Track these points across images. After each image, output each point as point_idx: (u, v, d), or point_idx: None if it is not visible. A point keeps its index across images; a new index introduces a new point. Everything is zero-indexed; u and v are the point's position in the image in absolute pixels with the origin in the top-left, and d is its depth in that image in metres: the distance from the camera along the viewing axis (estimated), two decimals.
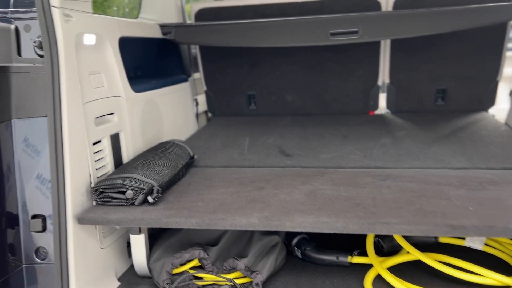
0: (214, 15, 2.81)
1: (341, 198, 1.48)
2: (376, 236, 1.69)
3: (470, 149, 2.03)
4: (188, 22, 2.99)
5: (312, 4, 2.71)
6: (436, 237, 1.68)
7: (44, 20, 1.36)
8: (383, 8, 2.60)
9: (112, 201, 1.50)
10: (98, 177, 1.61)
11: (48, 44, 1.36)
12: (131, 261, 1.62)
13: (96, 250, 1.55)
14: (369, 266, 1.60)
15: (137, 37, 2.11)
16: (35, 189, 1.46)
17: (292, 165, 1.92)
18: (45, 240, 1.45)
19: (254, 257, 1.56)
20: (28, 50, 1.47)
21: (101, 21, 1.71)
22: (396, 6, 2.62)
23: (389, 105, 2.95)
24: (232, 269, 1.53)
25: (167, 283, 1.48)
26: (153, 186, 1.51)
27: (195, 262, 1.57)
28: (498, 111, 2.89)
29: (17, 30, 1.46)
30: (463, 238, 1.66)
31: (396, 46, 2.76)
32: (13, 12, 1.45)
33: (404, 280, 1.49)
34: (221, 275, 1.52)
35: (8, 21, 1.46)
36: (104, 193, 1.50)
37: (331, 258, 1.68)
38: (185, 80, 2.65)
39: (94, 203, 1.53)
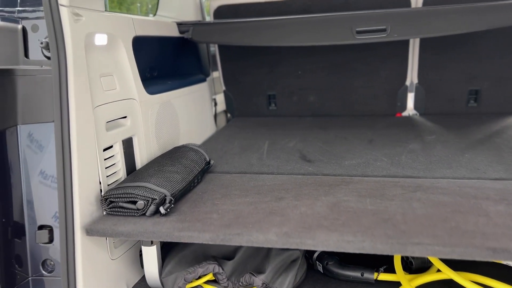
0: (234, 12, 2.71)
1: (368, 212, 1.36)
2: None
3: (508, 157, 1.88)
4: (207, 19, 2.89)
5: (337, 1, 2.58)
6: None
7: (51, 19, 1.28)
8: (413, 4, 2.45)
9: (122, 211, 1.42)
10: (108, 185, 1.53)
11: (55, 46, 1.28)
12: (144, 271, 1.54)
13: (106, 262, 1.48)
14: (397, 284, 1.48)
15: (153, 36, 2.02)
16: (43, 198, 1.39)
17: (313, 173, 1.80)
18: (53, 252, 1.38)
19: (272, 273, 1.46)
20: (36, 51, 1.40)
21: (113, 20, 1.63)
22: (426, 2, 2.46)
23: (417, 106, 2.79)
24: (249, 285, 1.44)
25: None
26: (165, 196, 1.42)
27: (209, 276, 1.48)
28: None
29: (24, 30, 1.38)
30: None
31: (426, 44, 2.60)
32: (20, 12, 1.37)
33: None
34: None
35: (15, 21, 1.38)
36: (114, 203, 1.42)
37: (356, 274, 1.57)
38: (203, 80, 2.55)
39: (104, 212, 1.45)
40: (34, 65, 1.38)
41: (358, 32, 1.99)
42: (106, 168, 1.52)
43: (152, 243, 1.47)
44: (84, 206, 1.37)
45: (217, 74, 3.02)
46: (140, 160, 1.74)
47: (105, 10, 1.64)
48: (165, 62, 2.29)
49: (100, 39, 1.54)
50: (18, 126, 1.34)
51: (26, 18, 1.38)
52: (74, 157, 1.33)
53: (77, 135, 1.33)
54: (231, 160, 2.03)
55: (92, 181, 1.42)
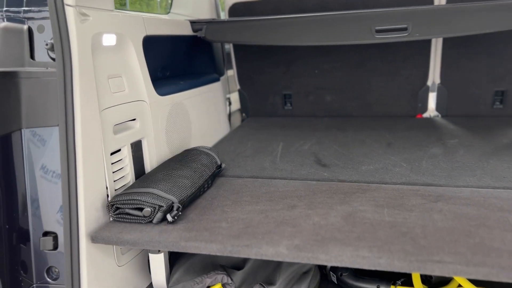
0: (249, 9, 2.64)
1: (385, 224, 1.29)
2: None
3: None
4: (222, 17, 2.83)
5: None
6: None
7: (57, 20, 1.24)
8: (436, 2, 2.34)
9: (129, 218, 1.37)
10: (116, 190, 1.49)
11: (60, 47, 1.24)
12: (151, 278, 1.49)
13: (113, 269, 1.44)
14: None
15: (165, 35, 1.97)
16: (49, 204, 1.35)
17: (328, 178, 1.73)
18: (58, 259, 1.34)
19: (283, 285, 1.40)
20: (42, 52, 1.36)
21: (123, 19, 1.58)
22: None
23: (439, 107, 2.68)
24: None
25: None
26: (173, 203, 1.37)
27: (217, 287, 1.43)
28: None
29: (30, 31, 1.34)
30: None
31: (449, 42, 2.49)
32: (26, 12, 1.33)
33: None
34: None
35: (21, 21, 1.34)
36: (120, 209, 1.38)
37: (371, 286, 1.49)
38: (217, 79, 2.50)
39: (111, 218, 1.41)
40: (40, 67, 1.34)
41: (378, 31, 1.90)
42: (113, 172, 1.48)
43: (159, 250, 1.42)
44: (89, 212, 1.33)
45: (231, 73, 2.96)
46: (150, 164, 1.70)
47: (114, 9, 1.60)
48: (177, 61, 2.23)
49: (108, 40, 1.50)
50: (22, 130, 1.30)
51: (32, 18, 1.34)
52: (79, 162, 1.29)
53: (82, 139, 1.29)
54: (243, 163, 1.97)
55: (98, 186, 1.38)
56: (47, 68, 1.32)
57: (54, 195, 1.35)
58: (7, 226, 1.25)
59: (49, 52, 1.33)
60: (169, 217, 1.34)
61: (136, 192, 1.38)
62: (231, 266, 1.50)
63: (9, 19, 1.36)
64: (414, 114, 2.72)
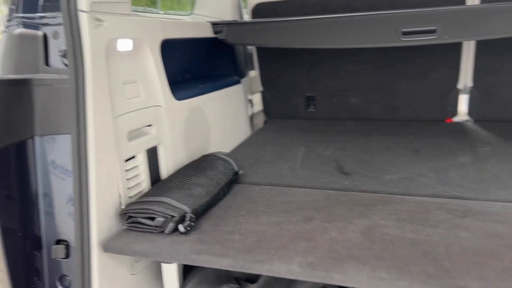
0: (273, 9, 2.58)
1: (406, 242, 1.21)
2: None
3: None
4: (246, 18, 2.78)
5: None
6: None
7: (70, 26, 1.22)
8: (468, 2, 2.22)
9: (141, 227, 1.35)
10: (130, 197, 1.47)
11: (72, 54, 1.22)
12: None
13: (126, 278, 1.42)
14: None
15: (184, 38, 1.94)
16: (64, 212, 1.34)
17: (349, 188, 1.66)
18: (71, 267, 1.34)
19: None
20: (57, 59, 1.35)
21: (139, 23, 1.55)
22: None
23: (470, 112, 2.55)
24: None
25: None
26: (185, 213, 1.34)
27: None
28: None
29: (45, 37, 1.33)
30: None
31: (483, 43, 2.36)
32: (41, 18, 1.32)
33: None
34: None
35: (37, 27, 1.34)
36: (133, 218, 1.36)
37: None
38: (238, 82, 2.45)
39: (124, 226, 1.39)
40: (54, 74, 1.33)
41: (404, 34, 1.81)
42: (127, 179, 1.46)
43: None
44: (102, 221, 1.31)
45: (254, 73, 2.91)
46: (166, 170, 1.67)
47: (132, 12, 1.58)
48: (198, 64, 2.20)
49: (124, 45, 1.48)
50: (35, 138, 1.30)
51: (48, 24, 1.34)
52: (91, 170, 1.27)
53: (95, 147, 1.27)
54: (262, 169, 1.92)
55: (111, 194, 1.36)
56: (60, 75, 1.31)
57: (68, 202, 1.34)
58: (19, 234, 1.25)
59: (63, 59, 1.32)
60: (181, 228, 1.31)
61: (149, 201, 1.36)
62: (245, 278, 1.45)
63: (25, 25, 1.35)
64: (444, 118, 2.60)
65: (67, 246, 1.31)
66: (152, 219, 1.34)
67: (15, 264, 1.27)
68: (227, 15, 2.67)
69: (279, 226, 1.35)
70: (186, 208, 1.35)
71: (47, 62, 1.34)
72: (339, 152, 2.12)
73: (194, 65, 2.17)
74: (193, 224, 1.33)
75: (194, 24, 2.06)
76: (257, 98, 2.99)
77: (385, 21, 1.87)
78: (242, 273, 1.48)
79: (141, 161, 1.53)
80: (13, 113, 1.23)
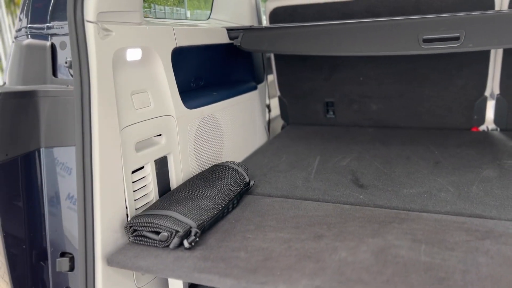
0: (291, 14, 2.53)
1: (420, 266, 1.14)
2: None
3: None
4: (264, 23, 2.74)
5: (406, 1, 2.30)
6: None
7: (75, 37, 1.21)
8: (497, 7, 2.11)
9: (146, 241, 1.33)
10: (137, 209, 1.45)
11: (78, 65, 1.21)
12: None
13: None
14: None
15: (198, 45, 1.91)
16: (67, 224, 1.33)
17: (364, 202, 1.59)
18: (75, 280, 1.32)
19: None
20: (65, 69, 1.33)
21: (150, 32, 1.53)
22: None
23: (497, 120, 2.43)
24: None
25: None
26: (190, 228, 1.31)
27: None
28: None
29: (53, 48, 1.32)
30: None
31: (511, 49, 2.24)
32: (49, 28, 1.31)
33: None
34: None
35: (45, 37, 1.33)
36: (138, 231, 1.34)
37: None
38: (254, 88, 2.41)
39: (130, 239, 1.37)
40: (61, 84, 1.31)
41: (425, 41, 1.72)
42: (134, 191, 1.44)
43: None
44: (106, 234, 1.30)
45: (272, 78, 2.86)
46: (176, 180, 1.65)
47: (144, 20, 1.56)
48: (213, 70, 2.17)
49: (133, 54, 1.45)
50: (41, 149, 1.29)
51: (56, 34, 1.32)
52: (96, 183, 1.25)
53: (100, 159, 1.26)
54: (274, 180, 1.88)
55: (117, 207, 1.34)
56: (67, 86, 1.30)
57: (73, 214, 1.32)
58: (24, 246, 1.24)
59: (70, 70, 1.31)
60: (186, 243, 1.28)
61: (154, 215, 1.33)
62: None
63: (33, 36, 1.35)
64: (469, 127, 2.48)
65: (72, 259, 1.30)
66: (157, 233, 1.31)
67: (20, 276, 1.26)
68: (245, 20, 2.63)
69: (287, 244, 1.30)
70: (191, 223, 1.32)
71: (54, 73, 1.33)
72: (356, 162, 2.05)
73: (209, 71, 2.14)
74: (197, 239, 1.30)
75: (209, 30, 2.03)
76: (275, 103, 2.94)
77: (405, 27, 1.79)
78: None
79: (149, 172, 1.50)
80: (18, 125, 1.23)
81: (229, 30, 2.17)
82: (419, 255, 1.20)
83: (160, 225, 1.29)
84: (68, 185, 1.30)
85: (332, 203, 1.61)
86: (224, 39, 2.15)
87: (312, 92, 2.74)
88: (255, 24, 2.68)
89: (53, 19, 1.33)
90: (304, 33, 1.96)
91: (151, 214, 1.34)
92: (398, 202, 1.58)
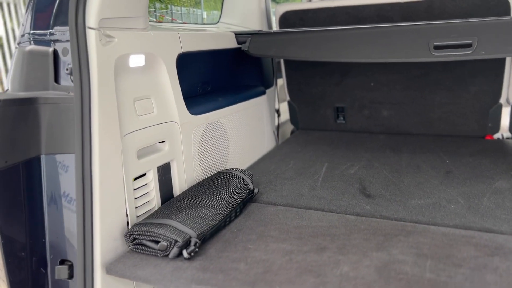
0: (301, 18, 2.49)
1: (424, 283, 1.10)
2: None
3: None
4: (274, 27, 2.71)
5: (418, 5, 2.24)
6: None
7: (76, 44, 1.20)
8: None
9: (146, 250, 1.31)
10: (138, 216, 1.43)
11: (78, 73, 1.20)
12: None
13: None
14: None
15: (204, 50, 1.89)
16: (69, 232, 1.33)
17: (370, 213, 1.55)
18: None
19: None
20: (66, 76, 1.33)
21: (154, 38, 1.52)
22: None
23: None
24: None
25: None
26: (190, 237, 1.29)
27: None
28: None
29: (55, 54, 1.32)
30: None
31: None
32: (51, 34, 1.31)
33: None
34: None
35: (48, 43, 1.32)
36: (137, 240, 1.32)
37: None
38: (263, 93, 2.38)
39: (130, 247, 1.36)
40: (63, 91, 1.31)
41: (436, 48, 1.68)
42: (136, 198, 1.43)
43: None
44: (106, 242, 1.28)
45: (281, 82, 2.83)
46: (179, 187, 1.63)
47: (149, 25, 1.55)
48: (220, 75, 2.15)
49: (136, 61, 1.44)
50: (41, 156, 1.28)
51: (58, 40, 1.32)
52: (95, 191, 1.24)
53: (100, 167, 1.25)
54: (280, 187, 1.85)
55: (117, 215, 1.33)
56: (69, 93, 1.29)
57: (74, 222, 1.32)
58: (22, 254, 1.24)
59: (71, 77, 1.30)
60: (185, 253, 1.26)
61: (154, 223, 1.31)
62: None
63: (36, 41, 1.34)
64: (483, 135, 2.42)
65: (71, 267, 1.29)
66: (157, 242, 1.29)
67: (19, 283, 1.26)
68: (255, 24, 2.60)
69: (288, 256, 1.27)
70: (191, 233, 1.30)
71: (56, 79, 1.32)
72: (365, 170, 2.01)
73: (216, 76, 2.12)
74: (197, 250, 1.28)
75: (216, 34, 2.01)
76: (285, 107, 2.91)
77: (415, 33, 1.74)
78: None
79: (152, 179, 1.49)
80: (18, 132, 1.23)
81: (237, 34, 2.15)
82: (424, 271, 1.16)
83: (160, 234, 1.28)
84: (68, 191, 1.29)
85: (337, 213, 1.57)
86: (232, 43, 2.13)
87: (322, 97, 2.70)
88: (265, 29, 2.66)
89: (55, 25, 1.33)
90: (312, 38, 1.93)
91: (151, 223, 1.32)
92: (405, 213, 1.54)
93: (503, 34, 1.61)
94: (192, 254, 1.26)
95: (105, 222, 1.28)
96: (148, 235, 1.30)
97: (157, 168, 1.52)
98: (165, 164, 1.57)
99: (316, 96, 2.71)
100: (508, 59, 2.24)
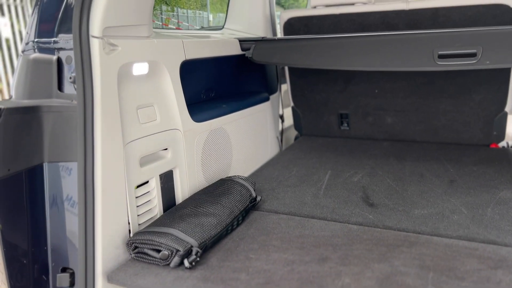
0: (306, 25, 2.49)
1: None
2: None
3: None
4: (278, 33, 2.71)
5: (423, 12, 2.24)
6: None
7: (80, 52, 1.20)
8: None
9: (147, 258, 1.31)
10: (140, 224, 1.44)
11: (81, 81, 1.20)
12: None
13: None
14: None
15: (209, 57, 1.89)
16: (71, 240, 1.33)
17: (373, 223, 1.54)
18: None
19: None
20: (70, 84, 1.33)
21: (158, 46, 1.52)
22: None
23: None
24: None
25: None
26: (191, 246, 1.28)
27: None
28: None
29: (59, 62, 1.32)
30: None
31: None
32: (55, 42, 1.32)
33: None
34: None
35: (52, 51, 1.33)
36: (139, 248, 1.32)
37: None
38: (266, 99, 2.38)
39: (132, 255, 1.36)
40: (67, 99, 1.31)
41: (441, 57, 1.67)
42: (138, 206, 1.43)
43: None
44: (107, 250, 1.28)
45: (285, 87, 2.83)
46: (181, 194, 1.63)
47: (153, 32, 1.55)
48: (224, 81, 2.15)
49: (140, 69, 1.45)
50: (44, 164, 1.29)
51: (62, 48, 1.33)
52: (97, 199, 1.25)
53: (102, 175, 1.25)
54: (282, 195, 1.84)
55: (119, 223, 1.33)
56: (72, 101, 1.30)
57: (75, 230, 1.32)
58: (24, 261, 1.24)
59: (74, 85, 1.31)
60: (186, 263, 1.26)
61: (155, 232, 1.31)
62: None
63: (40, 49, 1.35)
64: (488, 143, 2.40)
65: (72, 274, 1.29)
66: (158, 251, 1.29)
67: None
68: (259, 30, 2.60)
69: (290, 266, 1.27)
70: (193, 242, 1.30)
71: (60, 87, 1.33)
72: (368, 178, 2.00)
73: (220, 83, 2.12)
74: (198, 259, 1.28)
75: (221, 41, 2.01)
76: (288, 112, 2.91)
77: (420, 41, 1.73)
78: None
79: (154, 186, 1.49)
80: (21, 140, 1.23)
81: (241, 41, 2.15)
82: (426, 284, 1.15)
83: (161, 243, 1.28)
84: (70, 200, 1.30)
85: (340, 222, 1.56)
86: (236, 50, 2.13)
87: (326, 103, 2.70)
88: (269, 35, 2.66)
89: (60, 32, 1.33)
90: (316, 46, 1.93)
91: (153, 231, 1.32)
92: (408, 223, 1.53)
93: (508, 44, 1.60)
94: (194, 263, 1.26)
95: (107, 231, 1.28)
96: (150, 244, 1.30)
97: (159, 175, 1.52)
98: (168, 171, 1.57)
99: (320, 103, 2.71)
100: None
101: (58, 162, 1.28)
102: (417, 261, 1.27)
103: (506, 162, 2.12)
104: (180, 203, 1.56)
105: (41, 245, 1.30)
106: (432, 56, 1.68)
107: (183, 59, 1.67)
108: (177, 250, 1.26)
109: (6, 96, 6.53)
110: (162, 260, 1.28)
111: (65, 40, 1.32)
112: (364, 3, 2.36)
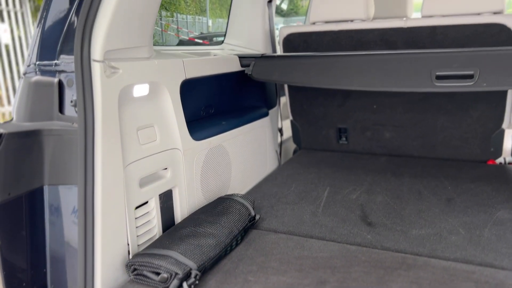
0: (305, 41, 2.51)
1: None
2: None
3: None
4: (278, 49, 2.73)
5: (421, 30, 2.26)
6: None
7: (81, 76, 1.22)
8: None
9: (146, 281, 1.32)
10: (139, 245, 1.44)
11: (82, 104, 1.21)
12: None
13: None
14: None
15: (209, 76, 1.90)
16: (70, 261, 1.33)
17: (371, 243, 1.55)
18: None
19: None
20: (71, 107, 1.34)
21: (159, 66, 1.53)
22: None
23: None
24: None
25: None
26: (190, 269, 1.29)
27: None
28: None
29: (60, 85, 1.34)
30: None
31: None
32: (56, 65, 1.33)
33: None
34: None
35: (53, 74, 1.34)
36: (138, 270, 1.33)
37: None
38: (265, 114, 2.39)
39: (131, 276, 1.36)
40: (68, 122, 1.32)
41: (438, 78, 1.69)
42: (137, 227, 1.43)
43: None
44: (107, 272, 1.29)
45: (284, 100, 2.84)
46: (181, 213, 1.64)
47: (153, 52, 1.56)
48: (224, 98, 2.17)
49: (140, 90, 1.46)
50: (44, 187, 1.30)
51: (63, 71, 1.34)
52: (97, 222, 1.25)
53: (102, 198, 1.25)
54: (281, 213, 1.85)
55: (118, 244, 1.33)
56: (73, 124, 1.31)
57: (75, 252, 1.32)
58: (24, 284, 1.25)
59: (75, 109, 1.32)
60: (185, 286, 1.26)
61: (154, 254, 1.32)
62: None
63: (42, 72, 1.36)
64: (485, 159, 2.42)
65: None
66: (157, 273, 1.30)
67: None
68: (259, 46, 2.62)
69: None
70: (192, 264, 1.30)
71: (61, 110, 1.34)
72: (366, 195, 2.01)
73: (220, 99, 2.13)
74: (197, 282, 1.28)
75: (220, 59, 2.03)
76: (287, 124, 2.92)
77: (418, 61, 1.75)
78: None
79: (153, 207, 1.50)
80: (22, 164, 1.24)
81: (241, 57, 2.17)
82: None
83: (160, 265, 1.28)
84: (70, 222, 1.30)
85: (338, 242, 1.57)
86: (236, 66, 2.14)
87: (325, 117, 2.71)
88: (269, 50, 2.68)
89: (61, 53, 1.34)
90: (315, 64, 1.94)
91: (152, 254, 1.33)
92: (406, 244, 1.54)
93: (504, 66, 1.62)
94: (192, 286, 1.27)
95: (106, 253, 1.28)
96: (149, 266, 1.30)
97: (159, 195, 1.53)
98: (167, 191, 1.58)
99: (319, 117, 2.72)
100: None
101: (58, 185, 1.29)
102: (414, 285, 1.27)
103: (503, 180, 2.13)
104: (179, 223, 1.56)
105: (40, 267, 1.30)
106: (430, 77, 1.70)
107: (183, 78, 1.68)
108: (176, 273, 1.27)
109: (5, 103, 6.54)
110: (161, 283, 1.28)
111: (66, 62, 1.33)
112: (363, 20, 2.38)
